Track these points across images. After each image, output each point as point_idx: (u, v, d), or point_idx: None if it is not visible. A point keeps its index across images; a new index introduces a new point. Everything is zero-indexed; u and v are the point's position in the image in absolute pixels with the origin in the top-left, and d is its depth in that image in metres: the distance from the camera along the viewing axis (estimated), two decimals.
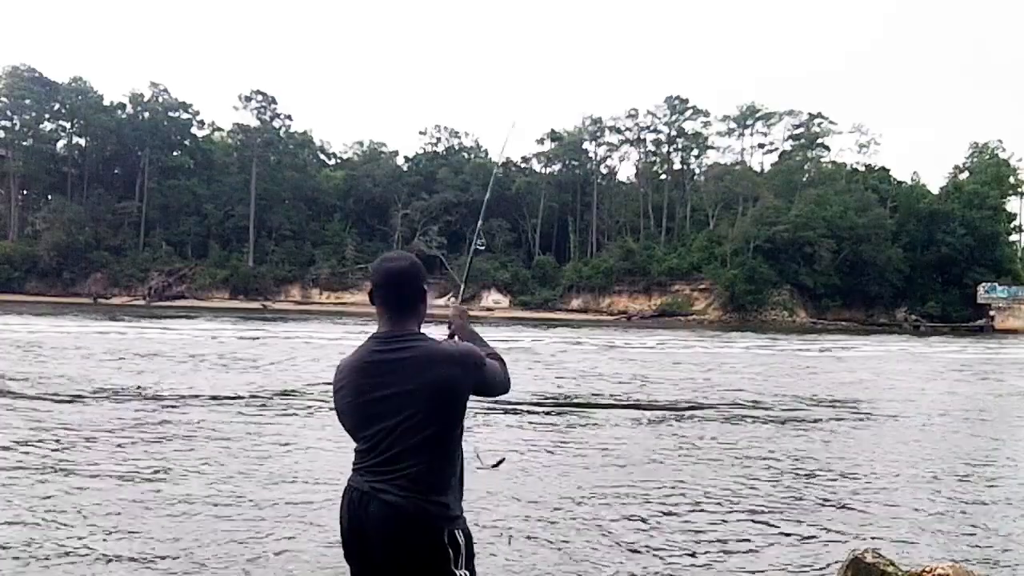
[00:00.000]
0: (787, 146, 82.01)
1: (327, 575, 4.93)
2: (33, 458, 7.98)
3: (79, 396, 12.48)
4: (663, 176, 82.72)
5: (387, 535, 2.26)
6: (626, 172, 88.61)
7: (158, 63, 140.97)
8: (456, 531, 2.29)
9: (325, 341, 27.44)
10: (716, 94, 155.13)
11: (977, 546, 6.01)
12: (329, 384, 2.57)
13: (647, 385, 16.83)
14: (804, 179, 77.00)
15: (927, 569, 4.26)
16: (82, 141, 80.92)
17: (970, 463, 9.27)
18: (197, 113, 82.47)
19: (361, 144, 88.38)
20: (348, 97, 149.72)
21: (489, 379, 2.45)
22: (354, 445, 2.40)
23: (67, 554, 5.20)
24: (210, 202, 76.71)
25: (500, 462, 2.99)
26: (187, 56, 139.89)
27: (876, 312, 70.61)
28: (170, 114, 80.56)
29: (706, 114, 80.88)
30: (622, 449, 9.41)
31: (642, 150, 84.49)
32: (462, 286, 3.59)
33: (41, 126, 78.30)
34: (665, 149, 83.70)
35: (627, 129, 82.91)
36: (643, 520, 6.41)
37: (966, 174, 79.17)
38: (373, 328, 2.46)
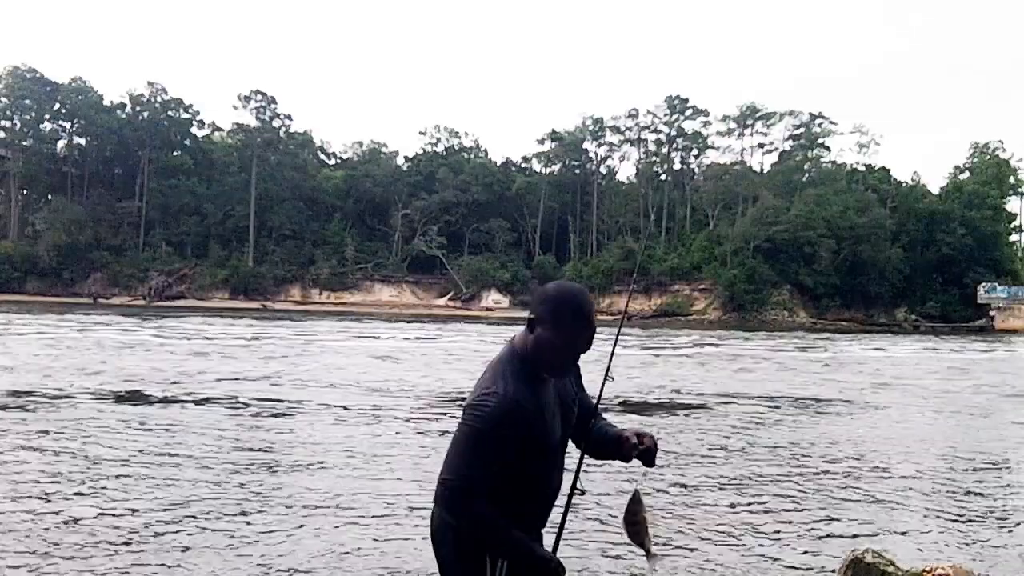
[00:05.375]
0: (787, 146, 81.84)
1: None
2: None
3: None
4: (663, 176, 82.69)
5: None
6: (626, 172, 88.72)
7: (158, 63, 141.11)
8: None
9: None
10: (716, 94, 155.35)
11: (978, 546, 6.00)
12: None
13: (643, 384, 16.81)
14: (804, 179, 76.85)
15: (927, 569, 4.26)
16: (82, 141, 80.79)
17: (971, 463, 9.26)
18: (197, 113, 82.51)
19: (361, 144, 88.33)
20: (348, 97, 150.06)
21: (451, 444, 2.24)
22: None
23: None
24: (210, 202, 76.60)
25: None
26: (187, 56, 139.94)
27: (876, 312, 70.51)
28: (170, 114, 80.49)
29: (706, 114, 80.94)
30: None
31: (642, 150, 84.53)
32: None
33: (41, 126, 78.21)
34: (665, 149, 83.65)
35: (627, 129, 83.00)
36: None
37: (966, 174, 79.07)
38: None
